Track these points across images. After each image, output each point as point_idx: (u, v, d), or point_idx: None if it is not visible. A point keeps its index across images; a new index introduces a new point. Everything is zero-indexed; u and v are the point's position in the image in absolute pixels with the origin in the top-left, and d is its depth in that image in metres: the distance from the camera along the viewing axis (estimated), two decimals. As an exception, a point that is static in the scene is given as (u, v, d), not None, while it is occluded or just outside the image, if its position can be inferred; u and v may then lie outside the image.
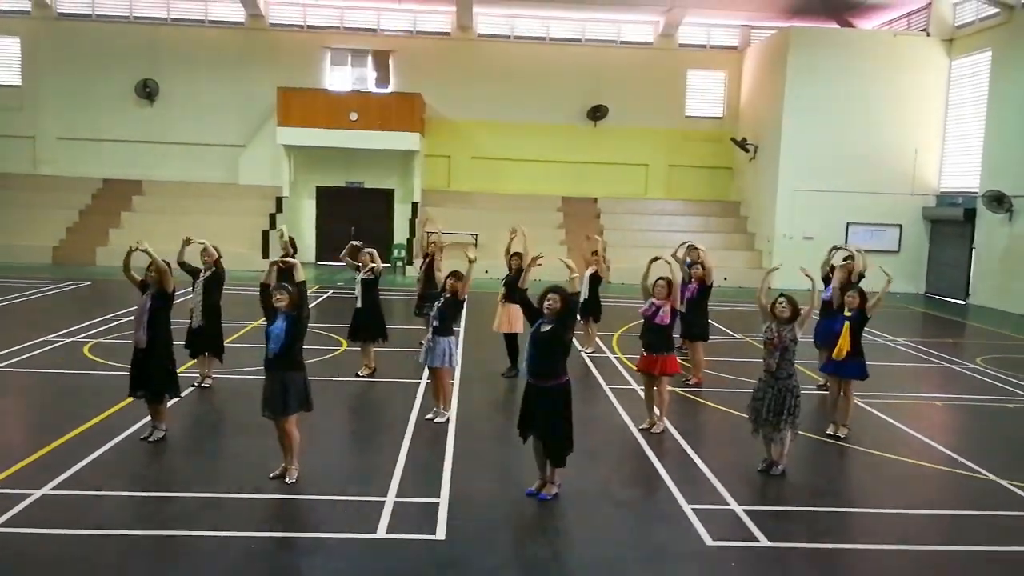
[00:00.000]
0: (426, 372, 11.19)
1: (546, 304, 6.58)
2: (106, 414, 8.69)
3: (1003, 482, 7.72)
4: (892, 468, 8.19)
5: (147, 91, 26.28)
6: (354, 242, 11.46)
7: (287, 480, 6.98)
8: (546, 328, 6.59)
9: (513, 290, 10.80)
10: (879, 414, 9.98)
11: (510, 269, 11.09)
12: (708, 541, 6.18)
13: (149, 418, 8.06)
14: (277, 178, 26.09)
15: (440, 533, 6.14)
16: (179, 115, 26.47)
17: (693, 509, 6.76)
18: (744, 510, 6.77)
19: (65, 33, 26.25)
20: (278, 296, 6.84)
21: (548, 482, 6.86)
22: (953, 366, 13.45)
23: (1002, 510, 7.12)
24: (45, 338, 12.69)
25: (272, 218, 25.24)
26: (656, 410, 8.94)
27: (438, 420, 8.96)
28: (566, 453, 6.74)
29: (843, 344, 8.73)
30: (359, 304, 10.89)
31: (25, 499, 6.42)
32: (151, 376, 7.77)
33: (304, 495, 6.81)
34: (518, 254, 11.28)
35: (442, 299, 8.74)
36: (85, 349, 12.17)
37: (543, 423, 6.62)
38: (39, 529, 5.97)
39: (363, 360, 11.08)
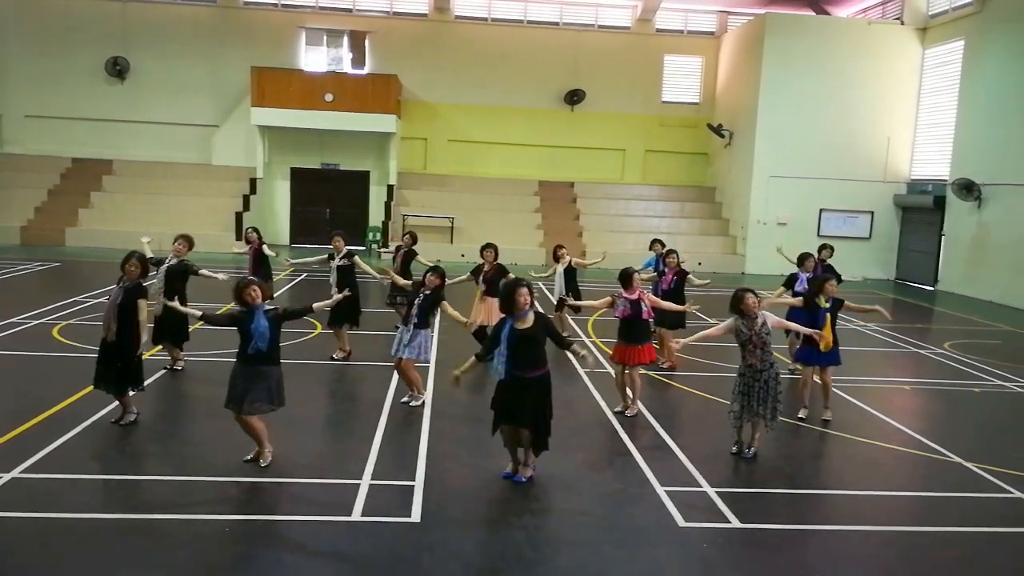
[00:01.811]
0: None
1: (521, 300, 6.56)
2: (76, 397, 8.59)
3: (969, 465, 7.88)
4: (862, 451, 8.33)
5: (117, 69, 25.80)
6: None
7: (261, 463, 6.96)
8: (525, 325, 6.58)
9: (494, 286, 10.89)
10: (849, 398, 10.13)
11: (484, 264, 11.10)
12: (680, 523, 6.25)
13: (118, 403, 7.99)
14: (251, 159, 25.83)
15: (415, 516, 6.15)
16: (150, 94, 26.04)
17: (666, 491, 6.83)
18: (716, 492, 6.86)
19: (33, 9, 25.66)
20: (251, 292, 6.76)
21: (525, 464, 6.90)
22: (922, 351, 13.67)
23: (968, 492, 7.26)
24: (13, 320, 12.49)
25: (246, 200, 24.99)
26: (629, 394, 9.02)
27: (414, 404, 8.97)
28: (548, 438, 6.83)
29: (828, 336, 8.70)
30: (334, 291, 10.82)
31: (-6, 482, 6.34)
32: (114, 371, 7.71)
33: (279, 478, 6.78)
34: (491, 246, 11.31)
35: (422, 295, 8.67)
36: (54, 331, 12.00)
37: (532, 412, 6.64)
38: (8, 513, 5.89)
39: (337, 344, 11.05)
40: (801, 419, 9.01)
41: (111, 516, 5.99)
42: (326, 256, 11.16)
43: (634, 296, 8.75)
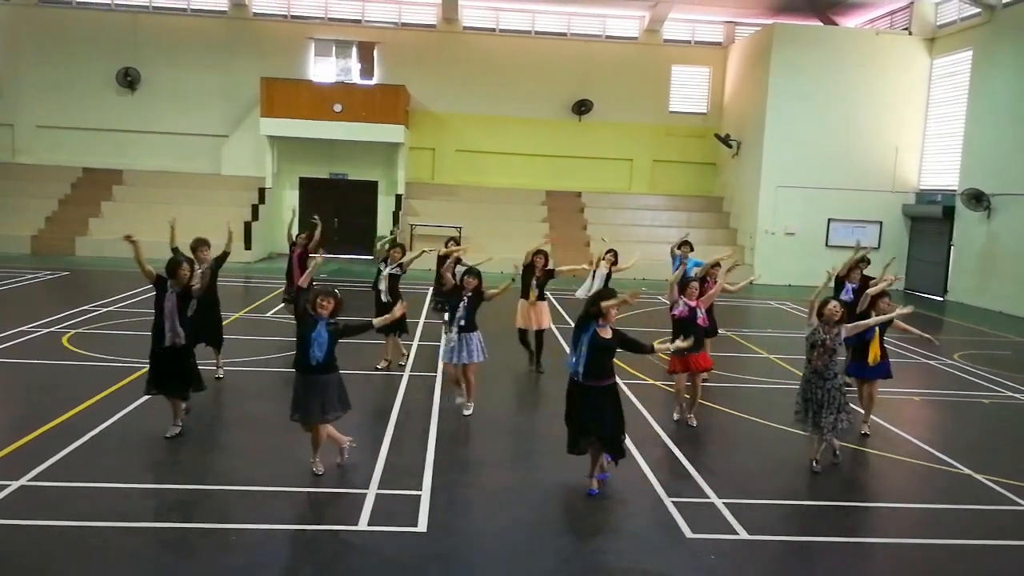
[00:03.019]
0: (409, 364, 11.26)
1: (613, 311, 6.71)
2: (85, 405, 8.63)
3: (979, 476, 7.83)
4: (871, 462, 8.29)
5: (128, 79, 26.00)
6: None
7: (344, 455, 7.22)
8: (606, 334, 6.70)
9: (542, 291, 11.10)
10: (859, 409, 10.06)
11: (536, 269, 11.11)
12: (688, 534, 6.23)
13: (131, 409, 8.01)
14: (260, 169, 25.91)
15: (422, 526, 6.15)
16: (161, 104, 26.21)
17: (673, 502, 6.81)
18: (724, 503, 6.83)
19: (45, 20, 25.90)
20: (323, 303, 6.80)
21: (591, 475, 6.99)
22: (931, 362, 13.60)
23: (977, 504, 7.21)
24: (23, 328, 12.56)
25: (255, 209, 25.09)
26: (684, 404, 9.19)
27: (466, 413, 9.06)
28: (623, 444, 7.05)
29: (876, 350, 8.82)
30: (386, 298, 10.84)
31: (2, 490, 6.36)
32: (185, 374, 7.82)
33: (285, 487, 6.79)
34: (541, 252, 11.34)
35: (465, 299, 8.80)
36: (64, 340, 12.06)
37: (607, 421, 6.78)
38: (16, 520, 5.91)
39: (385, 353, 11.11)
40: (865, 435, 9.02)
41: (118, 524, 5.99)
42: (384, 258, 11.18)
43: (693, 303, 8.92)
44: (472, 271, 8.95)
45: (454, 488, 6.93)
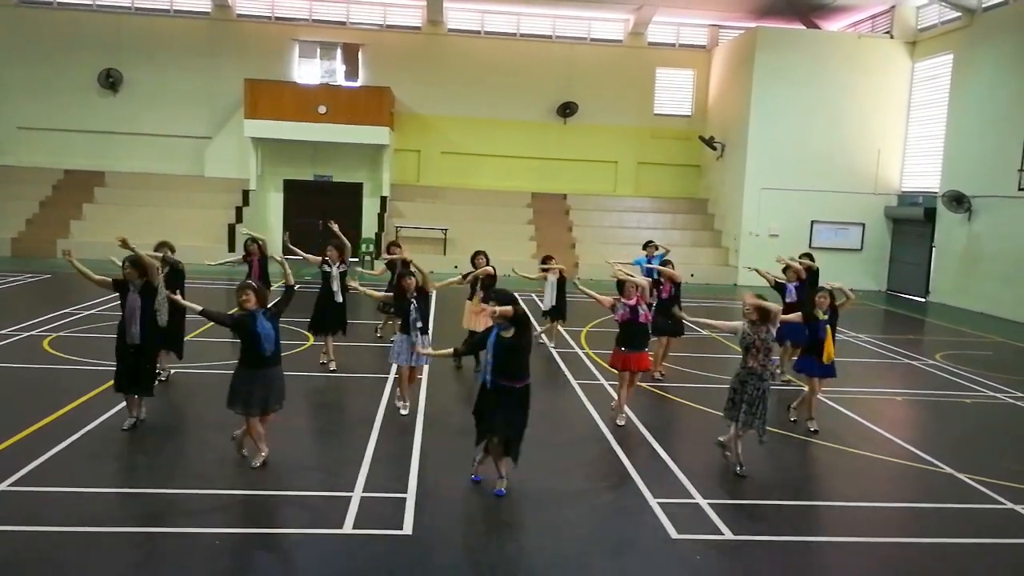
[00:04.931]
0: (394, 369, 11.20)
1: (488, 311, 6.67)
2: (66, 409, 8.54)
3: (960, 476, 7.89)
4: (853, 462, 8.34)
5: (110, 81, 25.80)
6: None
7: (255, 464, 7.09)
8: (508, 333, 6.63)
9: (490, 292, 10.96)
10: (841, 409, 10.14)
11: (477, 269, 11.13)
12: (673, 534, 6.24)
13: (111, 413, 7.95)
14: (244, 171, 25.82)
15: (407, 528, 6.12)
16: (143, 106, 26.04)
17: (659, 503, 6.82)
18: (709, 504, 6.85)
19: (26, 21, 25.67)
20: (243, 298, 6.93)
21: (500, 476, 6.93)
22: (913, 362, 13.71)
23: (959, 503, 7.27)
24: (3, 332, 12.42)
25: (239, 211, 24.97)
26: (622, 401, 9.09)
27: (403, 413, 9.02)
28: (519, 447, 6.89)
29: (830, 348, 8.89)
30: (341, 299, 10.87)
31: (-18, 495, 6.29)
32: (145, 373, 7.91)
33: (270, 491, 6.75)
34: (481, 252, 11.35)
35: (413, 301, 8.74)
36: (45, 343, 11.94)
37: (511, 422, 6.69)
38: (-3, 526, 5.85)
39: (331, 353, 11.04)
40: (815, 431, 9.01)
41: (99, 529, 5.93)
42: (325, 260, 11.14)
43: (632, 301, 8.82)
44: (407, 273, 8.88)
45: (440, 491, 6.91)
